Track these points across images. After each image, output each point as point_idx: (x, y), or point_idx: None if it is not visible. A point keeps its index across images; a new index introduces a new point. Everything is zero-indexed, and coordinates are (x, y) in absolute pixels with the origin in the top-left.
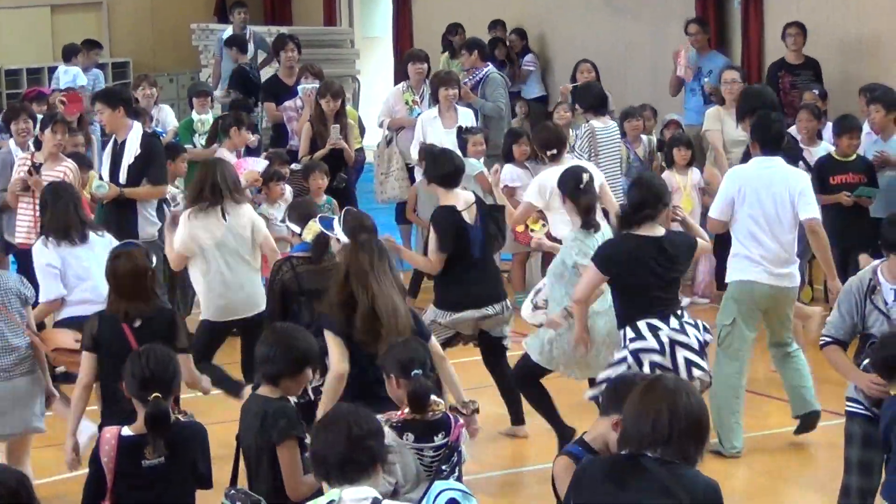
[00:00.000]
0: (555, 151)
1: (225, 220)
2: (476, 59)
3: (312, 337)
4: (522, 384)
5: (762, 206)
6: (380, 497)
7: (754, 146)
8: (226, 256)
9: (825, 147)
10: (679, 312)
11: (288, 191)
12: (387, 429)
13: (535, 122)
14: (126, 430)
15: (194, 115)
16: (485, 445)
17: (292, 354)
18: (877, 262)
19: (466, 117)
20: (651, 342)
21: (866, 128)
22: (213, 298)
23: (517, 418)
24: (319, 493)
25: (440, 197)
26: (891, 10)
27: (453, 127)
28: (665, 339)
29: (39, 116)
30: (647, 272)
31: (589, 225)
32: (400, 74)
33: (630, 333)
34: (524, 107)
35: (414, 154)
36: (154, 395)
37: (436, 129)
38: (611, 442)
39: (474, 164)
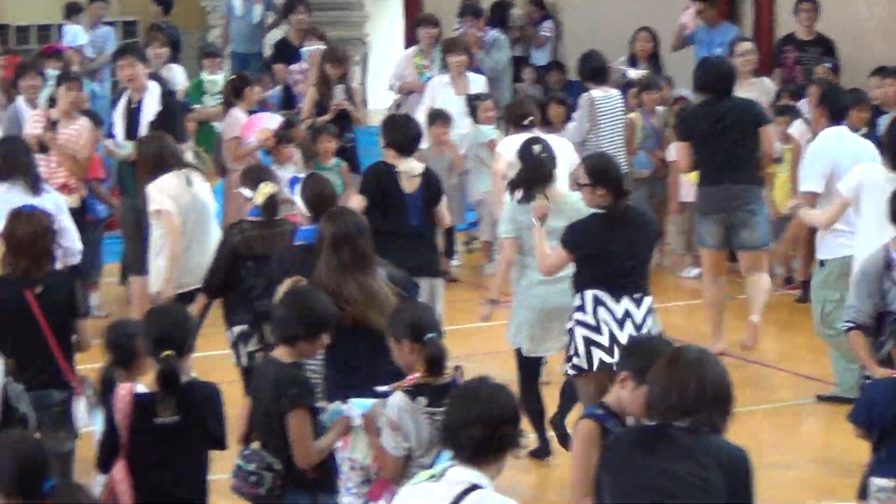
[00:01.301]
0: (531, 119)
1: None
2: (481, 24)
3: (331, 302)
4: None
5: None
6: (482, 485)
7: (821, 117)
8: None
9: None
10: (636, 296)
11: (297, 154)
12: (399, 394)
13: (545, 90)
14: (140, 388)
15: (204, 76)
16: None
17: (310, 318)
18: (889, 239)
19: (477, 84)
20: (590, 317)
21: None
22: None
23: None
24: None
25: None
26: None
27: (463, 94)
28: (602, 317)
29: (56, 73)
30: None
31: (526, 197)
32: (411, 38)
33: (576, 301)
34: (532, 73)
35: (420, 118)
36: (166, 353)
37: (446, 95)
38: (621, 399)
39: (485, 131)
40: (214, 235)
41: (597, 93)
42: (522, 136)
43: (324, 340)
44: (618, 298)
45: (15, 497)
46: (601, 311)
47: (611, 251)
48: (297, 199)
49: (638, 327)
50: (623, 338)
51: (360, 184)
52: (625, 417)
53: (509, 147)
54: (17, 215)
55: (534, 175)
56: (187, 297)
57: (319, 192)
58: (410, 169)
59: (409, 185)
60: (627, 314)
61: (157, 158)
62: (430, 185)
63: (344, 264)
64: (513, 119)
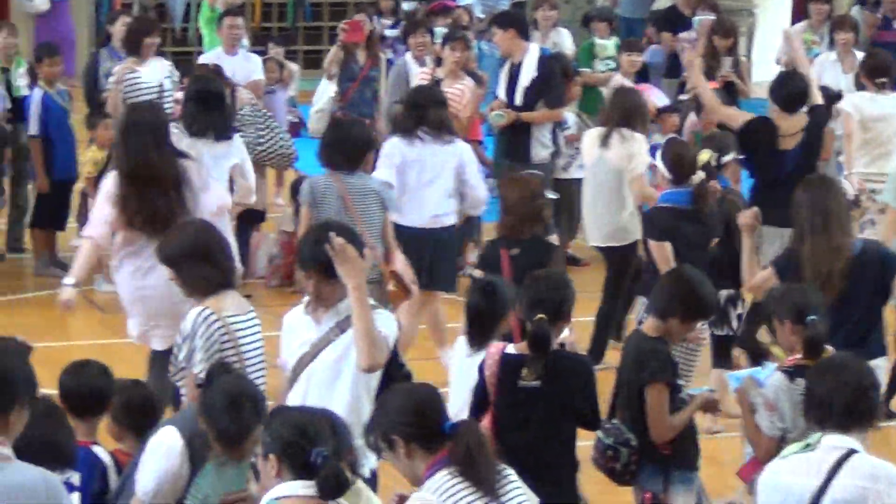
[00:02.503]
0: (884, 80)
1: (604, 146)
2: None
3: (714, 291)
4: None
5: None
6: (858, 449)
7: None
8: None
9: None
10: None
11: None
12: (778, 374)
13: None
14: (510, 348)
15: (596, 40)
16: None
17: (691, 302)
18: None
19: None
20: None
21: None
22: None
23: None
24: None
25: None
26: None
27: (851, 72)
28: None
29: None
30: None
31: None
32: (798, 11)
33: None
34: None
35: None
36: (539, 316)
37: (833, 73)
38: None
39: None
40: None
41: None
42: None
43: (693, 328)
44: None
45: (414, 442)
46: None
47: None
48: (659, 163)
49: None
50: None
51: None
52: None
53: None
54: (510, 179)
55: None
56: (607, 253)
57: (680, 155)
58: (789, 126)
59: (786, 143)
60: None
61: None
62: (811, 139)
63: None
64: (869, 71)
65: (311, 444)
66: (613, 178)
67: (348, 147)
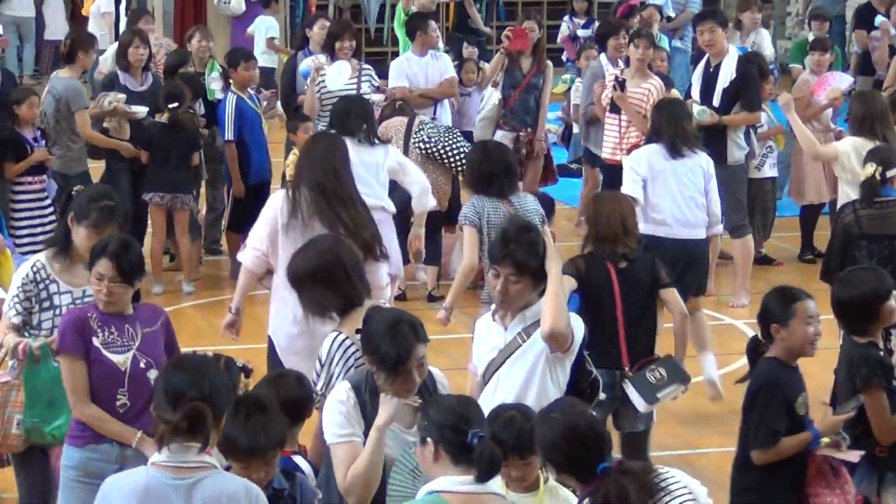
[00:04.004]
0: None
1: None
2: None
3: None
4: None
5: None
6: None
7: None
8: None
9: None
10: None
11: None
12: None
13: None
14: None
15: (810, 36)
16: None
17: (869, 299)
18: None
19: None
20: None
21: None
22: None
23: None
24: None
25: None
26: None
27: None
28: None
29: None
30: None
31: None
32: None
33: None
34: None
35: None
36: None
37: None
38: None
39: None
40: None
41: None
42: None
43: (885, 321)
44: None
45: (566, 473)
46: None
47: None
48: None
49: None
50: None
51: None
52: None
53: None
54: (599, 195)
55: None
56: None
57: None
58: None
59: None
60: None
61: None
62: None
63: None
64: None
65: (467, 426)
66: None
67: (505, 171)
